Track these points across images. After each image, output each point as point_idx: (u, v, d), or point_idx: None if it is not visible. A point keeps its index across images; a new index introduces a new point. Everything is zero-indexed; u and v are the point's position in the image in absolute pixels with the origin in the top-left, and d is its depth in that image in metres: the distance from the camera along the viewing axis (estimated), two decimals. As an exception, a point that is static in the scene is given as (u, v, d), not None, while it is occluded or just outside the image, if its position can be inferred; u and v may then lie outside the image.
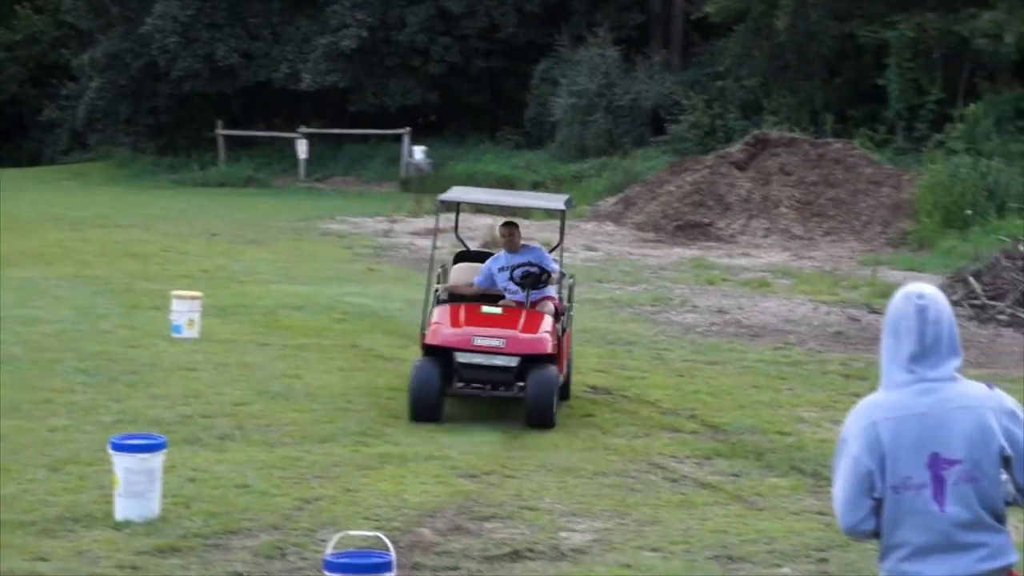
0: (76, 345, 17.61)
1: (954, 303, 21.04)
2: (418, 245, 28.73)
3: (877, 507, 5.44)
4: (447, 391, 14.29)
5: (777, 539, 10.80)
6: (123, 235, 30.03)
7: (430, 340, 14.35)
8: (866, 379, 16.50)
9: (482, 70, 45.89)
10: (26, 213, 33.04)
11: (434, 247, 15.57)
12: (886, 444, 5.40)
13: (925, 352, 5.46)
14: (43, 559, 9.97)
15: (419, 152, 43.19)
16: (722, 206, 31.75)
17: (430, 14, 45.11)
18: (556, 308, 15.04)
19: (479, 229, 27.65)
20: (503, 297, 15.13)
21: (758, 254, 28.96)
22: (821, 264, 27.56)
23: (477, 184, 38.22)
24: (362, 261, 27.19)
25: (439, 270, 15.69)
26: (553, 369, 14.17)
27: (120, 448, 10.92)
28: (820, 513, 11.36)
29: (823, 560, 10.35)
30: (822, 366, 17.86)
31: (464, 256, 16.28)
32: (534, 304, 14.93)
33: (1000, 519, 5.45)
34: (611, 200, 33.67)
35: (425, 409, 14.07)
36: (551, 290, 15.22)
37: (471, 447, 13.45)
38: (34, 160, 54.05)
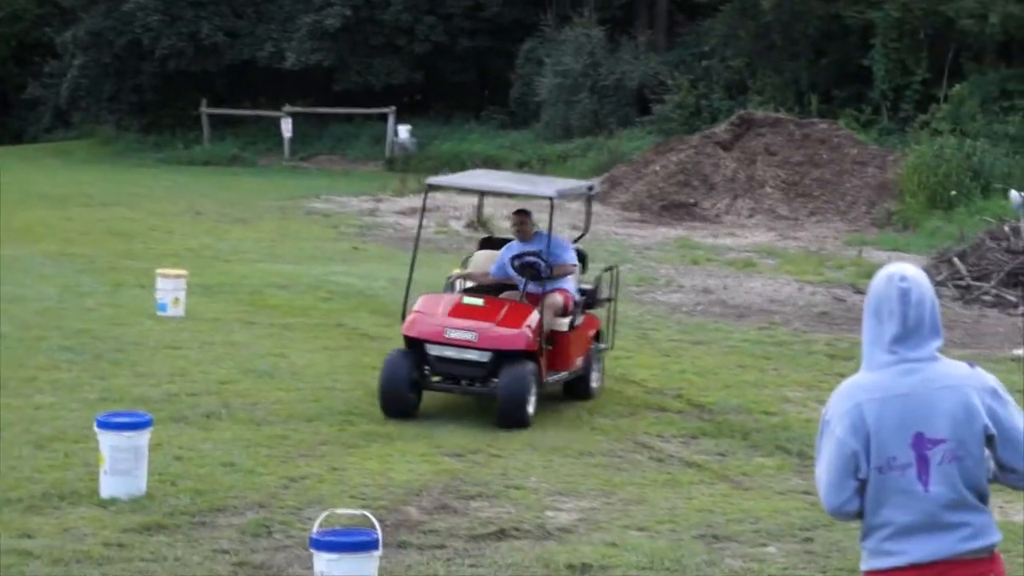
0: (61, 323, 17.58)
1: (939, 284, 21.09)
2: (403, 224, 28.70)
3: (861, 488, 5.45)
4: (425, 385, 13.78)
5: (762, 518, 10.83)
6: (107, 213, 29.96)
7: (405, 330, 13.90)
8: (851, 359, 16.54)
9: (467, 49, 45.81)
10: (9, 191, 32.92)
11: (419, 230, 15.14)
12: (870, 425, 5.41)
13: (908, 334, 5.46)
14: (29, 536, 9.97)
15: (404, 131, 43.13)
16: (707, 186, 31.75)
17: (415, -8, 45.04)
18: (565, 301, 14.24)
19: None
20: (516, 287, 14.41)
21: (743, 234, 28.98)
22: (806, 244, 27.59)
23: (463, 164, 38.19)
24: (347, 240, 27.16)
25: (465, 257, 15.49)
26: (530, 367, 13.52)
27: (106, 426, 10.91)
28: (805, 493, 11.40)
29: (808, 539, 10.39)
30: (807, 346, 17.90)
31: (489, 243, 15.58)
32: (536, 296, 14.08)
33: (983, 499, 5.46)
34: (597, 180, 33.64)
35: (395, 403, 13.49)
36: (566, 282, 14.39)
37: (457, 426, 13.48)
38: (17, 138, 53.86)
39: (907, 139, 33.50)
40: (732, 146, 32.76)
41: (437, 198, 28.58)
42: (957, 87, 34.47)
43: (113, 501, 10.70)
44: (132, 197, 33.13)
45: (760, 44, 39.16)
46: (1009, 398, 5.53)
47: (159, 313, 18.24)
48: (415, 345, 13.79)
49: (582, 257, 14.96)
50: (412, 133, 43.14)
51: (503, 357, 13.55)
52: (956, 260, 22.56)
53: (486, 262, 14.93)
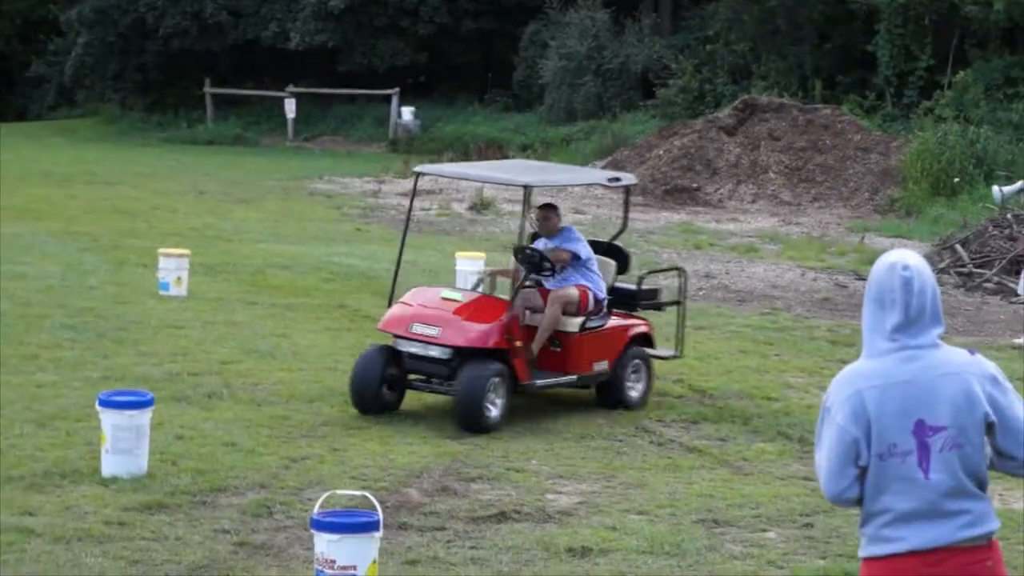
0: (64, 301, 17.60)
1: (941, 271, 21.10)
2: (406, 206, 28.63)
3: (861, 475, 5.46)
4: (406, 383, 13.15)
5: (763, 504, 10.85)
6: (111, 192, 29.97)
7: (380, 323, 13.42)
8: (853, 345, 16.55)
9: (471, 31, 45.76)
10: (13, 169, 32.93)
11: (408, 217, 14.66)
12: (871, 412, 5.41)
13: (910, 323, 5.46)
14: (31, 514, 10.00)
15: (408, 113, 43.12)
16: (710, 171, 31.74)
17: (420, -26, 45.00)
18: (582, 299, 13.36)
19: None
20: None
21: (746, 219, 28.98)
22: (809, 230, 27.58)
23: (466, 146, 38.21)
24: (350, 221, 27.17)
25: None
26: (493, 367, 12.63)
27: (107, 405, 10.94)
28: (806, 478, 11.41)
29: (808, 525, 10.40)
30: (809, 332, 17.91)
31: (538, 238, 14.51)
32: (543, 291, 13.40)
33: (983, 486, 5.47)
34: (600, 164, 33.63)
35: (365, 400, 12.88)
36: (586, 278, 13.44)
37: (458, 408, 13.47)
38: (21, 116, 53.86)
39: (911, 125, 33.47)
40: (735, 131, 32.74)
41: (440, 180, 28.55)
42: (961, 74, 34.42)
43: (114, 480, 10.73)
44: (136, 176, 33.14)
45: (764, 29, 39.11)
46: (1009, 386, 5.54)
47: (161, 292, 18.26)
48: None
49: (622, 256, 14.25)
50: (415, 115, 43.13)
51: (465, 355, 12.73)
52: (958, 247, 22.56)
53: None
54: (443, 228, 26.45)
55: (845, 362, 12.14)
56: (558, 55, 41.99)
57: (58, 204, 27.58)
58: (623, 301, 14.05)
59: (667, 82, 39.88)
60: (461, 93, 46.01)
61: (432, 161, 33.22)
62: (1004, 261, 21.57)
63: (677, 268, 15.42)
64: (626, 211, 15.16)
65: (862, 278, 21.48)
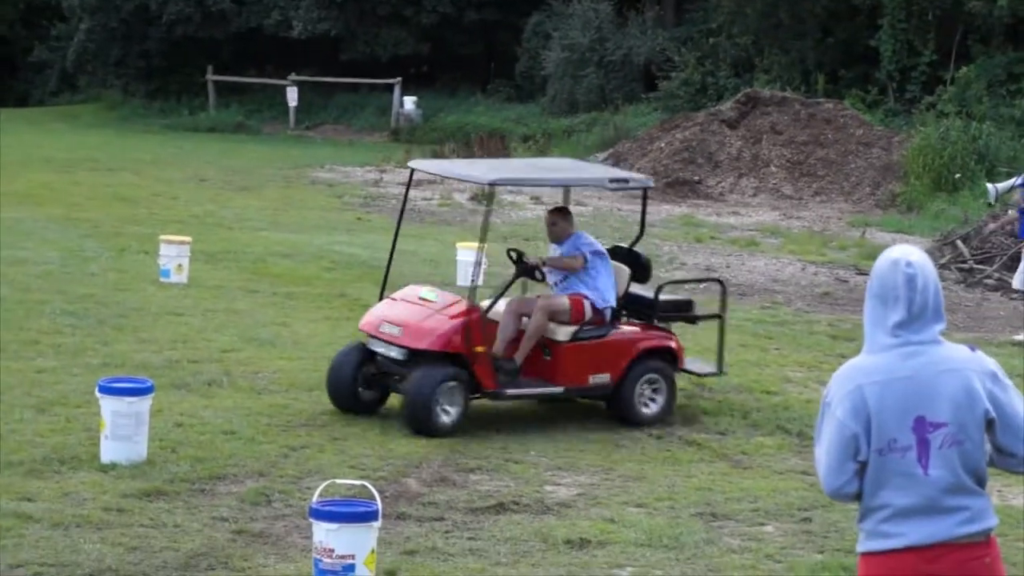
0: (64, 287, 17.61)
1: (942, 266, 21.11)
2: (408, 195, 28.66)
3: (860, 470, 5.46)
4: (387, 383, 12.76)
5: (761, 497, 10.86)
6: (113, 178, 29.97)
7: (360, 321, 13.19)
8: (853, 340, 16.55)
9: (474, 22, 45.73)
10: (15, 154, 32.93)
11: (402, 211, 14.36)
12: (872, 407, 5.42)
13: (912, 319, 5.46)
14: (29, 499, 10.01)
15: (410, 103, 43.10)
16: (712, 164, 31.74)
17: (423, -37, 44.97)
18: (575, 308, 12.74)
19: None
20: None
21: (747, 213, 28.97)
22: (810, 224, 27.58)
23: (467, 137, 38.18)
24: (351, 210, 27.18)
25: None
26: (445, 371, 12.19)
27: (108, 391, 10.95)
28: (804, 473, 11.42)
29: (806, 519, 10.41)
30: (809, 326, 17.91)
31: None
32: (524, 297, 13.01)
33: (982, 483, 5.48)
34: (601, 156, 33.63)
35: (340, 398, 12.68)
36: (584, 286, 12.83)
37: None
38: (23, 101, 53.82)
39: (913, 121, 33.45)
40: (738, 124, 32.73)
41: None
42: (964, 69, 34.41)
43: (113, 466, 10.74)
44: (137, 163, 33.14)
45: (767, 22, 39.09)
46: (1009, 382, 5.55)
47: (162, 279, 18.27)
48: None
49: (641, 263, 13.50)
50: (418, 104, 43.11)
51: (422, 357, 12.32)
52: (959, 243, 22.57)
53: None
54: (444, 218, 26.46)
55: (845, 357, 12.11)
56: (561, 46, 41.96)
57: (59, 190, 27.58)
58: (642, 312, 13.32)
59: (669, 75, 39.86)
60: (463, 83, 45.98)
61: (434, 151, 33.28)
62: (1005, 257, 21.56)
63: (715, 279, 14.72)
64: (643, 215, 13.99)
65: (863, 273, 21.48)
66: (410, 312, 12.58)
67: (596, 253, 12.90)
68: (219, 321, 16.25)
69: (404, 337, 12.35)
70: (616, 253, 13.45)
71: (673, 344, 13.11)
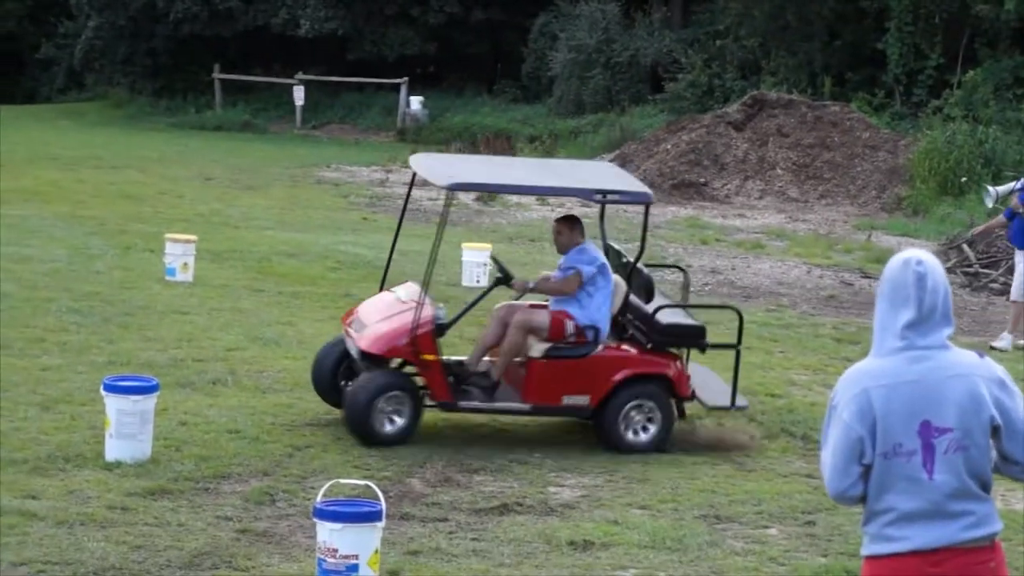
0: (70, 285, 17.62)
1: (947, 270, 21.08)
2: (414, 196, 28.65)
3: (865, 473, 5.47)
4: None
5: (765, 500, 10.85)
6: (119, 176, 29.98)
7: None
8: (858, 343, 16.55)
9: (481, 22, 45.73)
10: (21, 151, 32.96)
11: (404, 209, 14.26)
12: (877, 411, 5.42)
13: (921, 320, 5.47)
14: (34, 497, 10.02)
15: (416, 102, 43.10)
16: (718, 166, 31.73)
17: (430, -37, 44.99)
18: (553, 325, 12.08)
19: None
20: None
21: (753, 215, 28.97)
22: (816, 227, 27.57)
23: (473, 137, 38.19)
24: (357, 210, 27.18)
25: None
26: (390, 379, 11.86)
27: (112, 389, 10.96)
28: (808, 476, 11.42)
29: (810, 523, 10.41)
30: (814, 329, 17.90)
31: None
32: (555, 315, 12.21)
33: (986, 488, 5.48)
34: (607, 157, 33.63)
35: (321, 390, 12.61)
36: (573, 305, 12.13)
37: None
38: (30, 98, 53.87)
39: (919, 124, 33.45)
40: (744, 126, 32.72)
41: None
42: (971, 73, 34.39)
43: (118, 464, 10.75)
44: (143, 161, 33.14)
45: (774, 24, 39.08)
46: (1016, 390, 5.54)
47: (168, 278, 18.27)
48: None
49: (643, 281, 12.58)
50: (424, 104, 43.11)
51: (374, 360, 12.01)
52: (965, 247, 22.56)
53: None
54: (450, 218, 26.39)
55: (850, 360, 12.09)
56: (567, 47, 41.96)
57: (65, 187, 27.59)
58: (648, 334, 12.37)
59: (676, 76, 39.85)
60: (470, 83, 45.99)
61: (440, 152, 33.23)
62: (1011, 261, 21.53)
63: (731, 306, 13.68)
64: (644, 231, 12.74)
65: (868, 276, 21.49)
66: (379, 311, 12.28)
67: (597, 270, 12.15)
68: (224, 320, 16.26)
69: (361, 337, 12.06)
70: (616, 265, 12.76)
71: (669, 371, 12.15)
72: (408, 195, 14.19)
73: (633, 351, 12.23)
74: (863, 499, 5.51)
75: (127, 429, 10.85)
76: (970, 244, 22.59)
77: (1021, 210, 17.46)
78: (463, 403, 12.00)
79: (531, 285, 12.42)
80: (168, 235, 18.99)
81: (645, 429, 12.08)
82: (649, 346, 12.23)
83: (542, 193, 13.87)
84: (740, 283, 21.10)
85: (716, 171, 31.62)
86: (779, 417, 13.37)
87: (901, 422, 5.42)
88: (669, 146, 32.47)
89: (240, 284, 18.59)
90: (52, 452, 10.99)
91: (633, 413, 12.05)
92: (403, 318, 11.96)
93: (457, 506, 10.40)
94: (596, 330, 12.08)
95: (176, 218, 23.90)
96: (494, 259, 12.96)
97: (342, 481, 9.46)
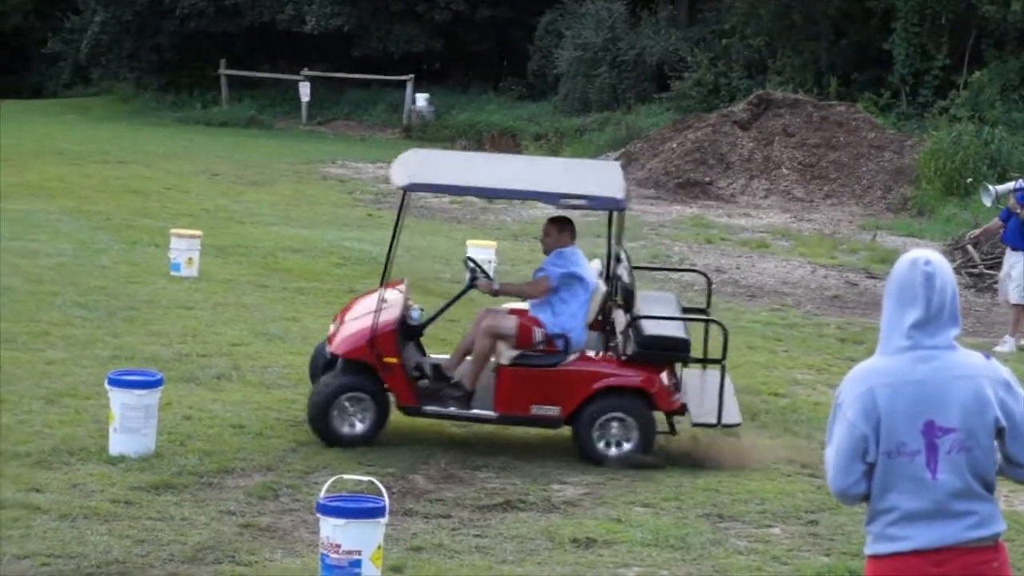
0: (75, 279, 17.64)
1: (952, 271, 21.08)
2: (420, 192, 28.66)
3: (869, 472, 5.47)
4: None
5: (768, 499, 10.85)
6: (124, 171, 29.99)
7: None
8: (862, 343, 16.55)
9: (487, 19, 45.72)
10: (27, 146, 32.99)
11: (400, 211, 13.67)
12: (882, 409, 5.43)
13: (928, 320, 5.47)
14: (37, 490, 10.03)
15: (422, 99, 43.10)
16: (723, 165, 31.72)
17: (436, -40, 44.96)
18: (520, 332, 11.75)
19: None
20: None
21: (758, 215, 28.96)
22: (821, 227, 27.57)
23: (479, 134, 38.18)
24: (362, 206, 27.19)
25: None
26: (350, 380, 11.64)
27: (117, 384, 10.97)
28: (812, 475, 11.41)
29: (813, 522, 10.41)
30: (818, 329, 17.90)
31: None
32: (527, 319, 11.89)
33: (990, 488, 5.49)
34: (612, 155, 33.63)
35: (314, 382, 12.36)
36: (546, 312, 11.82)
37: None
38: (36, 93, 53.89)
39: (925, 124, 33.42)
40: (750, 126, 32.72)
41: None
42: (977, 73, 34.36)
43: (122, 458, 10.76)
44: (149, 156, 33.16)
45: (781, 24, 39.05)
46: (1021, 392, 5.55)
47: (173, 273, 18.29)
48: None
49: (621, 290, 12.28)
50: (430, 101, 43.10)
51: (343, 360, 11.83)
52: (970, 248, 22.56)
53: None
54: (454, 215, 26.47)
55: (854, 360, 12.09)
56: (573, 45, 41.94)
57: (71, 182, 27.61)
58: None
59: (682, 75, 39.83)
60: (476, 81, 45.98)
61: (446, 148, 33.23)
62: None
63: (715, 320, 12.66)
64: (610, 238, 12.37)
65: (873, 276, 21.48)
66: (358, 311, 12.14)
67: (570, 276, 11.79)
68: (229, 315, 16.27)
69: (332, 336, 12.01)
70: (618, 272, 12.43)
71: (646, 384, 11.60)
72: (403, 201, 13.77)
73: (609, 362, 11.79)
74: (866, 498, 5.51)
75: (131, 423, 10.86)
76: (975, 245, 22.58)
77: (1019, 211, 17.45)
78: (428, 407, 11.74)
79: (496, 287, 12.13)
80: (173, 230, 19.01)
81: (620, 444, 11.62)
82: (624, 358, 11.76)
83: (503, 196, 13.40)
84: (744, 282, 21.10)
85: (721, 170, 31.61)
86: (782, 416, 13.38)
87: (905, 421, 5.42)
88: (675, 145, 32.46)
89: (245, 279, 18.61)
90: (56, 446, 11.01)
91: (609, 426, 11.63)
92: (369, 320, 11.74)
93: (460, 503, 10.41)
94: (566, 339, 11.70)
95: (181, 213, 23.91)
96: (467, 260, 12.68)
97: (345, 477, 9.46)
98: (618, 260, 12.75)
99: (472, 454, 11.63)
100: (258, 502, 10.14)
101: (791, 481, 11.42)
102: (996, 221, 18.71)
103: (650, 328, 11.84)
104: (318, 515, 8.64)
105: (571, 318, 11.75)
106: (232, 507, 9.98)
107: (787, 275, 21.93)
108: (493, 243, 20.04)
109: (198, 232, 19.01)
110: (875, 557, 5.50)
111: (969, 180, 28.83)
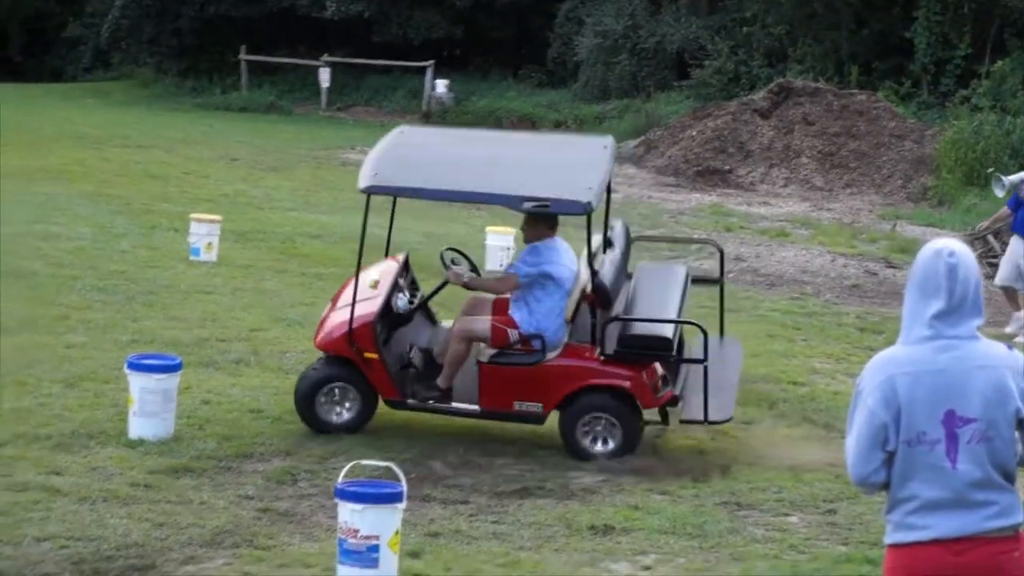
0: (95, 263, 17.67)
1: (971, 261, 21.02)
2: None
3: (888, 460, 5.47)
4: None
5: (786, 488, 10.84)
6: (144, 156, 30.02)
7: None
8: (882, 332, 16.52)
9: (507, 6, 45.66)
10: (48, 130, 33.03)
11: (396, 205, 13.65)
12: (902, 398, 5.42)
13: (951, 310, 5.47)
14: (57, 473, 10.07)
15: (442, 86, 43.06)
16: (743, 153, 31.66)
17: (457, -54, 44.93)
18: (494, 331, 11.58)
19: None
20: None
21: (777, 203, 28.90)
22: (840, 216, 27.50)
23: (499, 121, 38.16)
24: (381, 192, 27.14)
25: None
26: (332, 372, 11.59)
27: (136, 368, 11.00)
28: (830, 464, 11.38)
29: (831, 511, 10.40)
30: (837, 318, 17.86)
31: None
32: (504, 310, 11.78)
33: (1010, 479, 5.49)
34: (632, 143, 33.59)
35: None
36: (522, 310, 11.59)
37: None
38: (56, 77, 53.95)
39: (946, 114, 33.30)
40: (770, 114, 32.64)
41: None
42: (999, 63, 34.24)
43: (141, 442, 10.79)
44: (169, 140, 33.18)
45: (802, 12, 38.94)
46: (1043, 383, 5.54)
47: (192, 257, 18.31)
48: None
49: (598, 291, 11.70)
50: (450, 88, 43.06)
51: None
52: (990, 237, 22.49)
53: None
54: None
55: (873, 349, 12.08)
56: (594, 32, 41.88)
57: (91, 166, 27.64)
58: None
59: (702, 63, 39.75)
60: (496, 67, 45.93)
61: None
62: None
63: (696, 323, 11.90)
64: (590, 240, 11.85)
65: (893, 266, 21.43)
66: (342, 300, 12.02)
67: (541, 275, 11.50)
68: (248, 300, 16.29)
69: (320, 323, 11.98)
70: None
71: (626, 384, 11.40)
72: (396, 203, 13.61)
73: (590, 361, 11.54)
74: (885, 486, 5.51)
75: (150, 407, 10.89)
76: (996, 235, 22.52)
77: None
78: (412, 401, 11.64)
79: (465, 279, 11.98)
80: (193, 215, 19.03)
81: (606, 441, 11.44)
82: (601, 357, 11.49)
83: (465, 200, 13.27)
84: (764, 271, 21.06)
85: (741, 158, 31.55)
86: (801, 405, 13.36)
87: (925, 411, 5.42)
88: (694, 133, 32.41)
89: (264, 265, 18.63)
90: (76, 429, 11.05)
91: (594, 423, 11.45)
92: (347, 313, 11.59)
93: (478, 489, 10.42)
94: (543, 339, 11.48)
95: (201, 198, 23.93)
96: (443, 254, 12.56)
97: (363, 462, 9.47)
98: (610, 245, 12.49)
99: (490, 440, 11.63)
100: (276, 487, 10.16)
101: (809, 470, 11.40)
102: (1004, 210, 18.66)
103: (632, 325, 11.61)
104: (336, 500, 8.65)
105: (546, 317, 11.52)
106: (250, 491, 10.01)
107: (806, 264, 21.89)
108: (512, 230, 20.02)
109: (218, 217, 19.02)
110: (895, 546, 5.50)
111: (990, 170, 28.73)
